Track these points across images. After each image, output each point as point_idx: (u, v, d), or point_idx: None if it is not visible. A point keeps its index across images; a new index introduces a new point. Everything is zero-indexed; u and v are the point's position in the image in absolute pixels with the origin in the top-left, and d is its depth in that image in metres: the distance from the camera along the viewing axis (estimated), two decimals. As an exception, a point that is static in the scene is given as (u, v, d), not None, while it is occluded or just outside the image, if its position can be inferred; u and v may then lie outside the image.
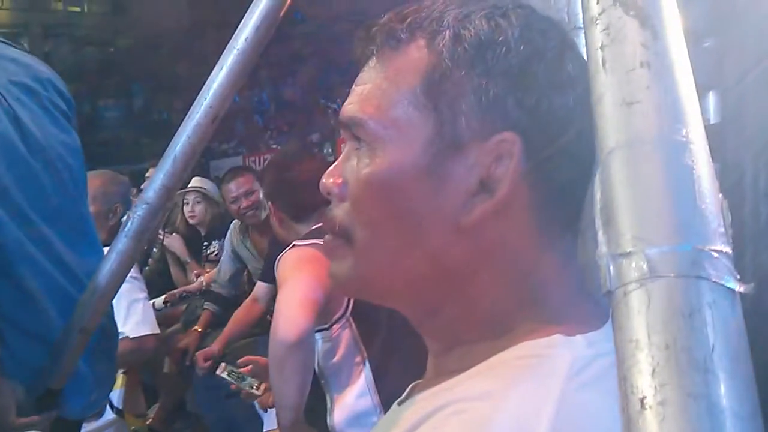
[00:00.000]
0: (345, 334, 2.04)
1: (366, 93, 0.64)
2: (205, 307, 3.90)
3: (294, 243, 2.06)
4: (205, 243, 4.54)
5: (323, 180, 0.68)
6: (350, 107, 0.65)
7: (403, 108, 0.61)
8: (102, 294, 1.57)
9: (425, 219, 0.61)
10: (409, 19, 0.63)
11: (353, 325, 2.04)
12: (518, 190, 0.60)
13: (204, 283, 4.19)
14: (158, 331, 3.04)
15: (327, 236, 0.68)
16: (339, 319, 2.03)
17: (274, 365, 1.88)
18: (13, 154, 1.44)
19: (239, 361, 2.54)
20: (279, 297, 1.93)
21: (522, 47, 0.60)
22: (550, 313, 0.60)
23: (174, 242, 4.52)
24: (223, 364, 2.76)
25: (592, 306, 0.64)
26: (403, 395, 0.73)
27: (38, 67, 1.61)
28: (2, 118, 1.43)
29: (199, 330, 3.78)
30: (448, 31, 0.61)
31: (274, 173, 2.27)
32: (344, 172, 0.66)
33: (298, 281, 1.92)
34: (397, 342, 1.95)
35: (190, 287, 4.29)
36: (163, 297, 4.23)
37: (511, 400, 0.53)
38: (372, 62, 0.65)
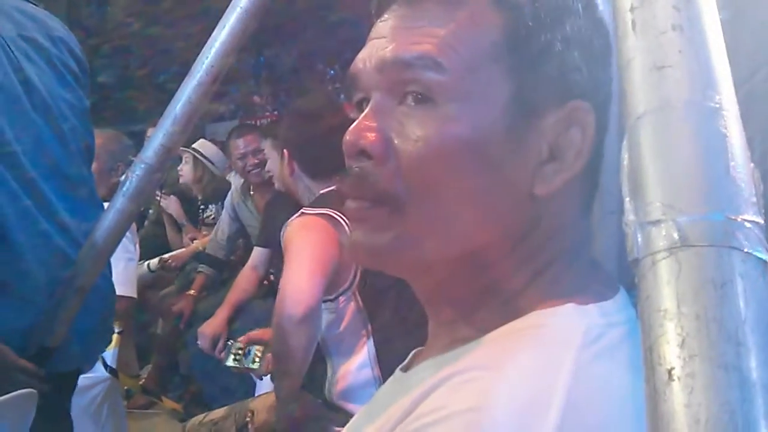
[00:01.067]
0: (350, 307, 2.03)
1: (435, 35, 0.57)
2: (199, 269, 3.89)
3: (302, 210, 2.03)
4: (202, 206, 4.53)
5: (351, 137, 0.59)
6: (416, 46, 0.57)
7: (486, 62, 0.56)
8: (98, 253, 1.55)
9: (497, 185, 0.57)
10: None
11: (358, 297, 2.04)
12: (582, 163, 0.59)
13: (200, 247, 4.19)
14: (133, 295, 3.03)
15: (357, 203, 0.61)
16: (345, 291, 2.02)
17: (278, 337, 1.86)
18: (15, 108, 1.42)
19: (240, 339, 2.52)
20: (286, 269, 1.91)
21: (588, 19, 0.59)
22: (564, 283, 0.60)
23: (171, 204, 4.51)
24: (227, 344, 2.71)
25: (603, 276, 0.63)
26: (406, 362, 0.72)
27: (52, 24, 1.58)
28: (8, 72, 1.41)
29: (194, 293, 3.77)
30: None
31: (298, 119, 2.17)
32: (386, 128, 0.58)
33: (306, 253, 1.90)
34: (403, 315, 1.94)
35: (184, 251, 4.28)
36: (158, 259, 4.21)
37: (525, 369, 0.52)
38: (424, 5, 0.58)
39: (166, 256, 4.25)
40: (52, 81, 1.52)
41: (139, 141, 4.95)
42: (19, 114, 1.43)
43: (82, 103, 1.61)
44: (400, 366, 0.72)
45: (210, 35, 1.42)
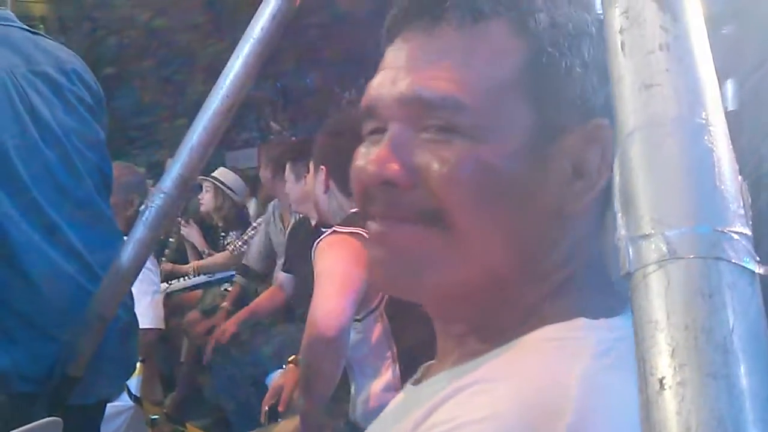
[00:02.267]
0: (377, 327, 2.04)
1: (456, 71, 0.58)
2: (234, 279, 3.96)
3: (334, 228, 2.03)
4: (223, 234, 4.58)
5: (373, 168, 0.60)
6: (437, 84, 0.58)
7: (508, 91, 0.58)
8: (120, 282, 1.58)
9: (525, 207, 0.59)
10: None
11: (385, 318, 2.04)
12: (602, 178, 0.59)
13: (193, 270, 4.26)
14: (161, 326, 3.06)
15: (388, 223, 0.62)
16: (373, 311, 2.02)
17: (308, 357, 1.87)
18: (26, 142, 1.46)
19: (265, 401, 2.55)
20: (317, 288, 1.91)
21: (599, 39, 0.59)
22: (576, 299, 0.61)
23: (192, 232, 4.57)
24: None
25: (613, 291, 0.64)
26: (417, 375, 0.73)
27: (66, 57, 1.62)
28: (16, 105, 1.45)
29: (228, 306, 3.85)
30: (541, 15, 0.59)
31: (331, 136, 2.19)
32: (408, 158, 0.59)
33: (338, 272, 1.90)
34: (429, 336, 1.94)
35: (214, 260, 4.31)
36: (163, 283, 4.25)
37: (537, 380, 0.53)
38: (442, 32, 0.59)
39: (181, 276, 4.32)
40: (63, 113, 1.56)
41: (158, 171, 5.04)
42: (31, 149, 1.47)
43: (95, 133, 1.64)
44: (410, 380, 0.73)
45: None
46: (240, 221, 4.52)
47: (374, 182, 0.61)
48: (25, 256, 1.45)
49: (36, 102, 1.49)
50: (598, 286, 0.63)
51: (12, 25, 1.56)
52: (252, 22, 1.44)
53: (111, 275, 1.56)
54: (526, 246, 0.60)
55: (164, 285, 4.13)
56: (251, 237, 4.25)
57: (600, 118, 0.59)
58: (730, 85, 1.28)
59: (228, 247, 4.44)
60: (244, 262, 4.02)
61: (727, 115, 0.49)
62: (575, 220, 0.60)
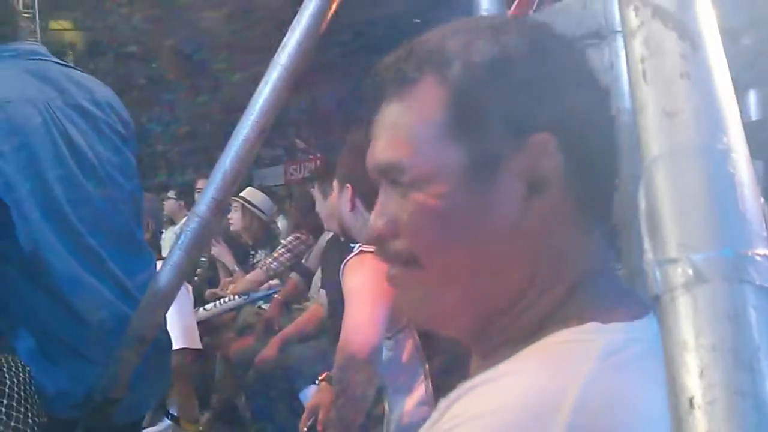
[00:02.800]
0: (408, 343, 2.05)
1: (394, 136, 0.67)
2: (291, 276, 4.07)
3: (361, 247, 2.05)
4: (252, 252, 4.65)
5: (371, 222, 0.71)
6: (382, 153, 0.69)
7: (435, 143, 0.65)
8: (158, 305, 1.63)
9: (485, 231, 0.64)
10: (414, 57, 0.67)
11: (415, 335, 2.05)
12: (564, 186, 0.63)
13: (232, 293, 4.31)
14: (197, 346, 3.11)
15: (392, 272, 0.71)
16: (402, 329, 2.04)
17: (341, 376, 1.88)
18: (65, 172, 1.51)
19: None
20: (347, 308, 1.93)
21: (532, 56, 0.64)
22: (588, 306, 0.63)
23: (222, 251, 4.63)
24: None
25: (631, 298, 0.66)
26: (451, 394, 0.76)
27: (98, 89, 1.68)
28: (55, 138, 1.50)
29: (281, 298, 3.94)
30: (457, 60, 0.65)
31: (355, 155, 2.21)
32: (390, 211, 0.69)
33: (367, 291, 1.92)
34: (460, 351, 1.95)
35: (249, 279, 4.37)
36: (213, 302, 4.32)
37: (543, 375, 0.56)
38: (388, 105, 0.68)
39: (222, 298, 4.37)
40: (98, 143, 1.61)
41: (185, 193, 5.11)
42: (69, 177, 1.51)
43: (127, 161, 1.69)
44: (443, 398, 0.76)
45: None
46: (268, 239, 4.59)
47: (372, 236, 0.71)
48: (66, 283, 1.50)
49: (73, 134, 1.54)
50: (613, 293, 0.65)
51: (46, 59, 1.61)
52: (279, 49, 1.48)
53: (149, 298, 1.60)
54: (504, 267, 0.65)
55: (202, 310, 4.19)
56: (282, 254, 4.30)
57: (538, 132, 0.63)
58: (752, 96, 1.29)
59: (258, 264, 4.49)
60: (303, 262, 4.12)
61: (751, 124, 0.51)
62: (550, 231, 0.64)
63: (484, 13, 1.48)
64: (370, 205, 2.11)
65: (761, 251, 0.44)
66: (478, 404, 0.56)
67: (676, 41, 0.53)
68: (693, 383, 0.41)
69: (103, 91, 1.70)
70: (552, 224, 0.64)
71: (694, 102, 0.50)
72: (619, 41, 1.20)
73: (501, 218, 0.63)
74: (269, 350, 3.45)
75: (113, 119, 1.68)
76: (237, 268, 4.63)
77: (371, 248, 2.03)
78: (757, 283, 0.42)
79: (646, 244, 0.47)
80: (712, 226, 0.45)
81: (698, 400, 0.40)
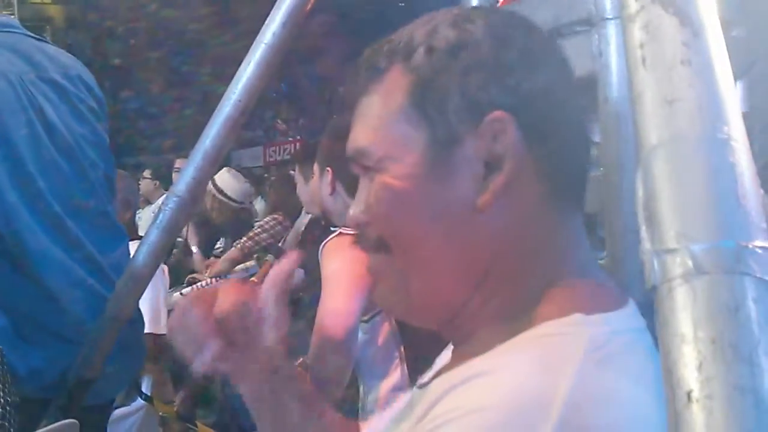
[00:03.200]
0: (384, 327, 2.05)
1: (362, 124, 0.70)
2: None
3: (340, 230, 2.04)
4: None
5: (349, 214, 0.73)
6: (352, 141, 0.71)
7: (397, 126, 0.67)
8: (135, 285, 1.60)
9: (446, 213, 0.65)
10: (385, 48, 0.69)
11: (392, 320, 2.05)
12: (524, 164, 0.63)
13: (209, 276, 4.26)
14: (161, 332, 3.08)
15: (369, 262, 0.72)
16: (379, 312, 2.03)
17: (317, 358, 1.88)
18: (38, 148, 1.48)
19: None
20: (324, 290, 1.93)
21: (491, 41, 0.65)
22: (569, 296, 0.62)
23: (189, 232, 4.59)
24: None
25: (610, 288, 0.66)
26: (425, 379, 0.75)
27: (70, 63, 1.64)
28: (29, 113, 1.46)
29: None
30: (421, 47, 0.67)
31: (336, 138, 2.19)
32: (364, 199, 0.71)
33: (344, 274, 1.91)
34: (436, 335, 1.95)
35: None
36: (190, 287, 4.28)
37: (532, 372, 0.55)
38: (362, 96, 0.71)
39: (199, 282, 4.32)
40: (71, 119, 1.57)
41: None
42: (42, 153, 1.48)
43: (100, 137, 1.66)
44: (417, 383, 0.76)
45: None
46: (235, 226, 4.55)
47: (353, 225, 0.73)
48: (40, 261, 1.47)
49: (46, 109, 1.51)
50: (593, 284, 0.65)
51: (18, 32, 1.57)
52: (263, 28, 1.45)
53: (126, 278, 1.58)
54: (462, 252, 0.65)
55: (178, 294, 4.16)
56: (258, 233, 4.27)
57: (494, 110, 0.64)
58: (740, 87, 1.28)
59: (216, 251, 4.47)
60: (280, 245, 4.08)
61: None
62: (515, 216, 0.64)
63: (474, 2, 1.46)
64: (350, 189, 2.10)
65: (761, 243, 0.43)
66: (467, 401, 0.56)
67: (676, 27, 0.52)
68: (691, 376, 0.40)
69: (76, 67, 1.66)
70: (519, 208, 0.64)
71: (695, 90, 0.49)
72: (609, 28, 1.18)
73: (461, 200, 0.64)
74: None
75: (86, 95, 1.64)
76: (198, 251, 4.59)
77: (350, 231, 2.04)
78: (758, 275, 0.42)
79: (644, 234, 0.46)
80: (712, 217, 0.44)
81: (696, 394, 0.39)
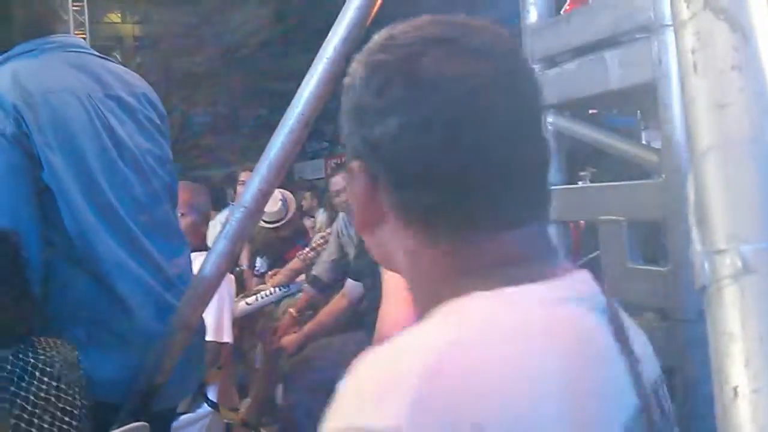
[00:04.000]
0: None
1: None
2: (303, 288, 4.08)
3: None
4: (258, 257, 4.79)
5: None
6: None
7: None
8: (203, 293, 1.66)
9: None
10: None
11: None
12: (391, 205, 0.64)
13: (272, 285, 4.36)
14: (224, 340, 3.16)
15: None
16: None
17: None
18: (109, 163, 1.55)
19: None
20: (385, 297, 1.94)
21: (359, 86, 0.64)
22: (470, 283, 0.60)
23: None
24: None
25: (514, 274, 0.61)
26: None
27: (134, 81, 1.71)
28: (99, 130, 1.54)
29: (294, 314, 3.93)
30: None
31: None
32: None
33: (402, 283, 1.91)
34: None
35: (288, 269, 4.42)
36: (254, 296, 4.38)
37: (418, 336, 0.56)
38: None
39: (262, 292, 4.43)
40: (137, 135, 1.64)
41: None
42: (113, 168, 1.55)
43: (165, 152, 1.72)
44: None
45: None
46: (275, 241, 4.69)
47: None
48: (112, 270, 1.54)
49: (114, 125, 1.58)
50: (485, 264, 0.62)
51: (85, 52, 1.65)
52: (325, 43, 1.50)
53: (194, 286, 1.63)
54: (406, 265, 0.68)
55: (244, 304, 4.26)
56: (320, 244, 4.34)
57: (354, 160, 0.66)
58: None
59: (299, 255, 4.54)
60: (313, 272, 4.10)
61: None
62: (396, 246, 0.67)
63: (532, 7, 1.47)
64: None
65: (811, 243, 0.44)
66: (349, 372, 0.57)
67: (727, 33, 0.53)
68: (738, 373, 0.41)
69: (141, 84, 1.73)
70: (399, 236, 0.65)
71: (746, 94, 0.50)
72: (669, 35, 1.18)
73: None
74: (290, 347, 3.52)
75: (151, 112, 1.71)
76: (245, 266, 4.72)
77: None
78: (807, 275, 0.42)
79: (695, 235, 0.47)
80: (761, 218, 0.45)
81: (743, 390, 0.40)
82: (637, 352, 0.60)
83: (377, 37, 0.67)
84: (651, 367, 0.64)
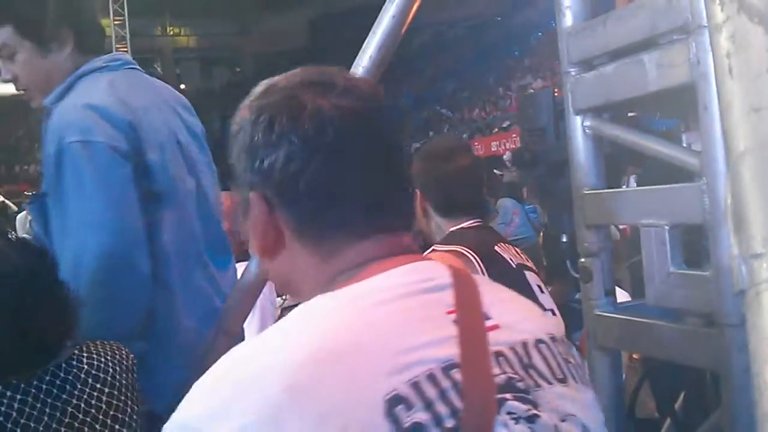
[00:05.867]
0: None
1: None
2: None
3: (434, 247, 2.07)
4: None
5: None
6: None
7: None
8: (244, 299, 1.68)
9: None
10: None
11: None
12: (285, 222, 0.71)
13: None
14: None
15: None
16: None
17: None
18: (182, 175, 1.58)
19: None
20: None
21: (248, 127, 0.72)
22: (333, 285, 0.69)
23: None
24: None
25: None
26: None
27: (179, 95, 1.74)
28: (174, 144, 1.57)
29: None
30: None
31: (425, 161, 2.23)
32: None
33: None
34: None
35: None
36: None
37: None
38: None
39: None
40: (193, 145, 1.67)
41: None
42: (183, 179, 1.58)
43: (210, 161, 1.75)
44: None
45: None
46: None
47: None
48: (180, 282, 1.55)
49: (180, 136, 1.61)
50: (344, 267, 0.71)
51: (139, 69, 1.68)
52: (360, 52, 1.51)
53: (238, 291, 1.66)
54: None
55: (280, 300, 4.26)
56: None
57: (251, 192, 0.73)
58: None
59: None
60: None
61: None
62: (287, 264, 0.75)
63: (567, 11, 1.47)
64: (438, 210, 2.14)
65: None
66: None
67: (762, 36, 0.53)
68: (778, 377, 0.40)
69: (182, 97, 1.76)
70: (293, 256, 0.73)
71: (782, 97, 0.50)
72: (706, 36, 1.16)
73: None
74: None
75: (196, 121, 1.74)
76: None
77: (443, 248, 2.06)
78: None
79: (732, 239, 0.47)
80: (800, 222, 0.45)
81: (783, 394, 0.40)
82: (495, 317, 0.66)
83: (257, 89, 0.76)
84: (522, 329, 0.68)
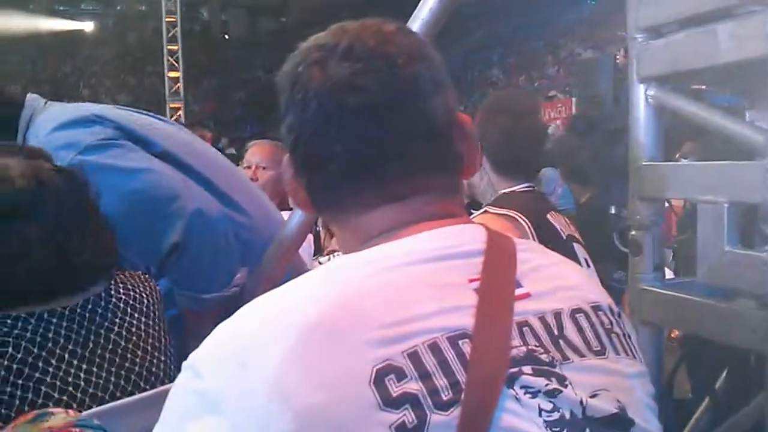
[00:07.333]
0: None
1: None
2: None
3: (486, 208, 1.97)
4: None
5: None
6: None
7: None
8: (285, 249, 1.69)
9: None
10: None
11: None
12: (300, 190, 0.73)
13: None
14: None
15: None
16: None
17: None
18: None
19: None
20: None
21: (288, 93, 0.72)
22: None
23: None
24: None
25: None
26: None
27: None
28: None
29: None
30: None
31: (494, 114, 2.07)
32: None
33: None
34: None
35: None
36: (325, 257, 4.42)
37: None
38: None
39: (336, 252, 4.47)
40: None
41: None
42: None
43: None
44: None
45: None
46: None
47: None
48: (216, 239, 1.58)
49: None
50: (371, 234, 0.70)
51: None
52: (420, 3, 1.48)
53: (278, 242, 1.66)
54: None
55: (317, 263, 4.30)
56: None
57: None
58: None
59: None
60: None
61: None
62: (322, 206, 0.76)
63: None
64: (496, 167, 2.05)
65: None
66: None
67: None
68: None
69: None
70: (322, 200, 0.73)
71: None
72: (754, 19, 1.12)
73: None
74: None
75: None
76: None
77: (495, 210, 2.00)
78: None
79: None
80: None
81: None
82: (527, 285, 0.64)
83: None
84: (558, 297, 0.66)
